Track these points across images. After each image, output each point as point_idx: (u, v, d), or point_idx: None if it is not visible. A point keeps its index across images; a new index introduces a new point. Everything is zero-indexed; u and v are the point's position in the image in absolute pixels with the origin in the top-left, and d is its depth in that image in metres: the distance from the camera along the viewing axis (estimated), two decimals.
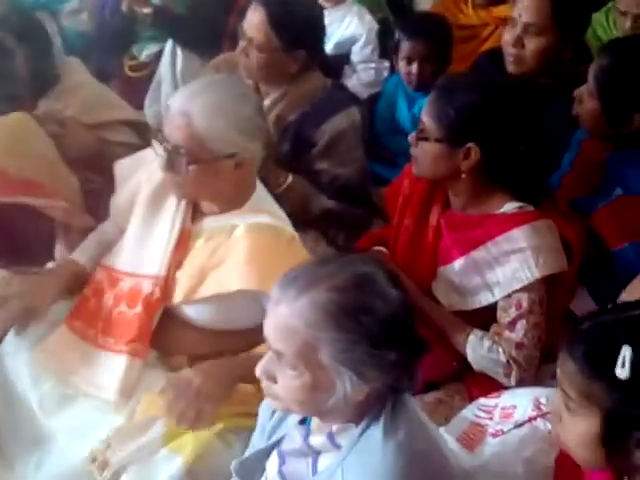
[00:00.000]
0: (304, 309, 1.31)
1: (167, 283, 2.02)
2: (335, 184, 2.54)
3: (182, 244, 2.05)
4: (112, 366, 1.98)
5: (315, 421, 1.47)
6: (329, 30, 3.15)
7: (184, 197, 2.06)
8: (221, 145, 1.93)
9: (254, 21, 2.48)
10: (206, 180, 1.97)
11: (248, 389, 1.85)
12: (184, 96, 1.97)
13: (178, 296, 2.01)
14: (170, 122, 1.95)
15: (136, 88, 3.46)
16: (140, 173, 2.18)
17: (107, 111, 2.63)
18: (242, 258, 1.93)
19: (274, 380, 1.37)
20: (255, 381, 1.48)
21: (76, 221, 2.31)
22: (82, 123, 2.51)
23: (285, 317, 1.33)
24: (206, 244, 2.03)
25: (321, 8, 2.69)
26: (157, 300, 2.01)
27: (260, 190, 2.09)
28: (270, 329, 1.36)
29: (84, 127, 2.50)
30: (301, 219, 2.30)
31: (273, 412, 1.58)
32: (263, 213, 2.03)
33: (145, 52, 3.58)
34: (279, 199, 2.15)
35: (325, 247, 2.54)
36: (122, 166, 2.25)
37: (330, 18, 3.30)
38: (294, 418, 1.51)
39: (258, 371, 1.39)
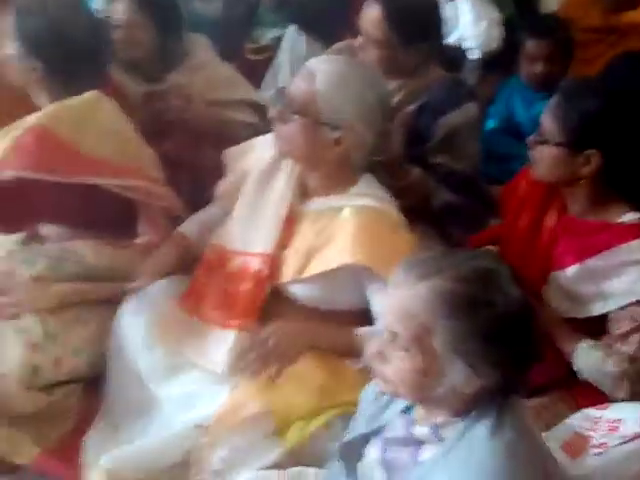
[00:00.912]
0: (424, 294, 1.32)
1: (274, 261, 2.06)
2: (450, 179, 2.52)
3: (290, 223, 2.10)
4: (222, 340, 2.03)
5: (419, 411, 1.47)
6: (454, 23, 3.15)
7: (282, 152, 2.10)
8: (330, 112, 1.97)
9: (370, 18, 2.48)
10: (301, 138, 2.01)
11: (357, 377, 1.89)
12: (317, 60, 2.06)
13: (286, 275, 2.05)
14: (297, 77, 2.03)
15: (255, 71, 3.50)
16: (247, 159, 2.24)
17: (230, 90, 2.69)
18: (348, 237, 1.96)
19: (385, 361, 1.39)
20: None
21: (155, 198, 2.30)
22: (206, 100, 2.56)
23: (405, 300, 1.34)
24: (313, 225, 2.06)
25: (437, 1, 2.66)
26: (265, 277, 2.05)
27: (367, 176, 2.10)
28: (388, 310, 1.38)
29: (207, 104, 2.56)
30: (421, 212, 2.30)
31: (375, 399, 1.58)
32: (368, 197, 2.05)
33: (266, 36, 3.65)
34: (402, 192, 2.15)
35: (433, 241, 2.53)
36: (231, 152, 2.31)
37: (454, 8, 3.29)
38: (397, 406, 1.52)
39: (370, 350, 1.41)
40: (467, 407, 1.38)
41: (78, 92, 2.23)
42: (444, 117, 2.50)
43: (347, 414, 1.80)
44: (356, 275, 1.97)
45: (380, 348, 1.39)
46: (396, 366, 1.36)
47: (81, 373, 2.19)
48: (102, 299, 2.21)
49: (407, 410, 1.51)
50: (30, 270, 2.18)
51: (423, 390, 1.37)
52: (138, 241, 2.31)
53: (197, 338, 2.07)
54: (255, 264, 2.07)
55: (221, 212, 2.27)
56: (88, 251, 2.24)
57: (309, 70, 2.01)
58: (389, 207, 2.06)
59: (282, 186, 2.13)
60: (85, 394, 2.22)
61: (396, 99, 2.52)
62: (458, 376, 1.32)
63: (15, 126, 2.21)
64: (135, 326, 2.10)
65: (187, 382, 2.02)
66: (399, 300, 1.35)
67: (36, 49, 2.20)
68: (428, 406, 1.43)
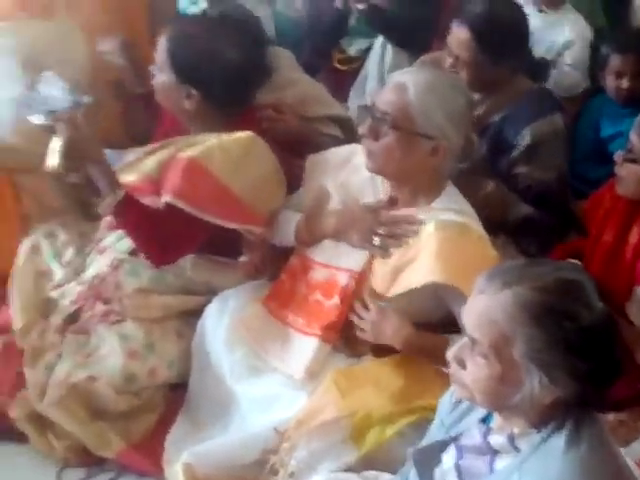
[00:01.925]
0: (507, 302, 1.32)
1: (362, 277, 2.07)
2: (533, 190, 2.50)
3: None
4: (302, 346, 2.07)
5: (497, 421, 1.48)
6: (542, 34, 3.11)
7: (374, 168, 2.08)
8: (425, 122, 1.98)
9: (459, 39, 2.49)
10: (398, 152, 2.00)
11: (435, 382, 1.90)
12: (404, 72, 2.08)
13: (374, 290, 2.05)
14: (385, 90, 2.04)
15: (342, 81, 3.55)
16: (330, 177, 2.25)
17: (317, 107, 2.71)
18: (432, 254, 1.96)
19: (464, 366, 1.39)
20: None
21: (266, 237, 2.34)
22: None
23: (487, 307, 1.35)
24: None
25: (524, 15, 2.65)
26: (353, 293, 2.07)
27: (450, 188, 2.10)
28: (469, 316, 1.38)
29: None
30: (497, 224, 2.30)
31: (454, 406, 1.60)
32: (452, 211, 2.04)
33: (354, 46, 3.67)
34: (479, 204, 2.15)
35: (514, 253, 2.52)
36: (312, 163, 2.32)
37: (545, 22, 3.27)
38: (476, 415, 1.53)
39: (450, 355, 1.42)
40: (544, 418, 1.37)
41: (231, 115, 2.29)
42: (529, 127, 2.49)
43: (423, 420, 1.82)
44: (441, 291, 1.97)
45: (459, 353, 1.40)
46: (474, 372, 1.37)
47: (172, 383, 2.28)
48: (199, 312, 2.28)
49: (485, 419, 1.51)
50: (135, 282, 2.30)
51: (499, 398, 1.37)
52: (240, 259, 2.37)
53: (278, 342, 2.11)
54: (343, 279, 2.09)
55: None
56: (189, 265, 2.32)
57: (398, 82, 2.01)
58: (472, 221, 2.05)
59: (372, 202, 2.15)
60: (170, 392, 2.29)
61: (481, 110, 2.53)
62: (536, 386, 1.32)
63: (166, 146, 2.30)
64: (218, 327, 2.17)
65: (267, 384, 2.06)
66: (481, 306, 1.36)
67: (191, 76, 2.25)
68: (505, 415, 1.43)
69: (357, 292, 2.07)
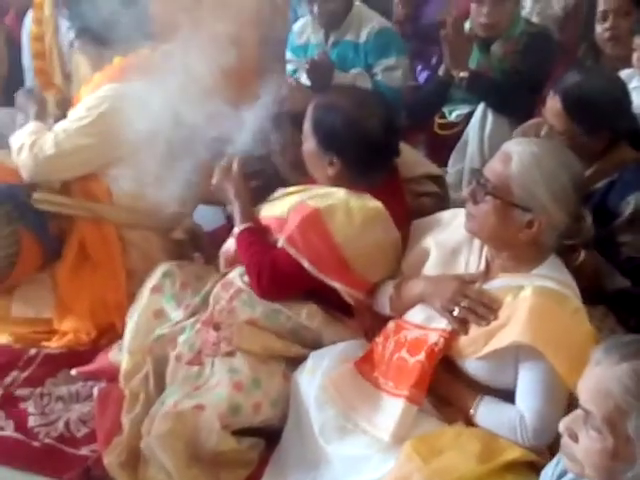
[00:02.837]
0: (624, 375, 1.31)
1: (452, 336, 2.07)
2: (633, 261, 2.44)
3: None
4: (390, 408, 2.06)
5: None
6: None
7: (471, 230, 2.13)
8: (523, 194, 1.99)
9: (552, 109, 2.49)
10: (493, 220, 2.04)
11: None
12: (514, 142, 2.10)
13: (464, 352, 2.05)
14: (493, 158, 2.08)
15: (443, 146, 3.58)
16: (434, 233, 2.29)
17: (413, 168, 2.77)
18: (524, 317, 1.94)
19: (575, 439, 1.37)
20: None
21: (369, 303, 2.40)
22: None
23: (603, 379, 1.34)
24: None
25: (623, 82, 2.62)
26: (439, 350, 2.06)
27: (554, 259, 2.09)
28: (584, 388, 1.37)
29: None
30: (595, 295, 2.25)
31: (557, 478, 1.57)
32: (552, 280, 2.02)
33: (455, 112, 3.71)
34: (573, 273, 2.12)
35: (614, 325, 2.45)
36: (417, 226, 2.38)
37: None
38: None
39: (561, 427, 1.40)
40: None
41: (371, 184, 2.36)
42: (633, 195, 2.44)
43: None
44: (522, 355, 1.95)
45: (572, 425, 1.38)
46: (586, 446, 1.35)
47: (273, 425, 2.29)
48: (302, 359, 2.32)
49: None
50: (248, 312, 2.37)
51: (610, 473, 1.34)
52: (352, 320, 2.41)
53: (367, 403, 2.10)
54: (433, 337, 2.09)
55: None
56: (305, 310, 2.37)
57: (505, 152, 2.05)
58: (570, 293, 2.03)
59: (472, 266, 2.17)
60: (265, 451, 2.29)
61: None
62: None
63: (302, 191, 2.45)
64: (311, 384, 2.18)
65: (356, 445, 2.05)
66: (597, 378, 1.35)
67: (334, 144, 2.36)
68: None
69: (445, 349, 2.07)
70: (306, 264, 2.27)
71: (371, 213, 2.31)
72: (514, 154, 2.02)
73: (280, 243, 2.33)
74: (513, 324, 1.95)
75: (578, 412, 1.37)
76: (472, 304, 2.04)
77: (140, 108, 2.71)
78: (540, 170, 1.99)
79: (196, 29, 2.61)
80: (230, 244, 2.56)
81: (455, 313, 2.06)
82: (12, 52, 4.11)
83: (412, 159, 2.82)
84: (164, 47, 2.83)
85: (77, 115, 2.78)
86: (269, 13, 3.09)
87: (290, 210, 2.37)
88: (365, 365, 2.19)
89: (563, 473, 1.56)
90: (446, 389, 2.10)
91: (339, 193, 2.34)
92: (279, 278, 2.33)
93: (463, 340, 2.05)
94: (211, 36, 2.59)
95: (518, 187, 1.99)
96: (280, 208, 2.44)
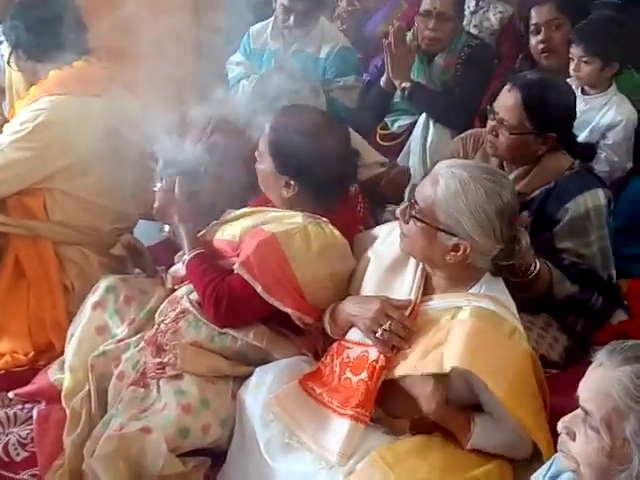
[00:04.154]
0: (625, 378, 1.33)
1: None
2: (577, 267, 2.48)
3: (412, 317, 2.09)
4: (336, 428, 2.04)
5: None
6: (588, 116, 3.12)
7: (403, 249, 2.14)
8: (448, 220, 1.99)
9: (507, 103, 2.52)
10: (420, 242, 2.04)
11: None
12: (446, 164, 2.06)
13: (400, 369, 2.05)
14: (425, 179, 2.07)
15: (385, 156, 3.59)
16: (371, 250, 2.29)
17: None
18: (461, 340, 1.95)
19: (573, 437, 1.39)
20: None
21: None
22: None
23: (604, 380, 1.36)
24: (431, 323, 2.06)
25: (574, 94, 2.67)
26: (380, 367, 2.05)
27: (489, 277, 2.09)
28: (585, 388, 1.39)
29: None
30: (539, 303, 2.27)
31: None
32: (488, 299, 2.03)
33: (397, 123, 3.75)
34: (526, 285, 2.13)
35: (556, 332, 2.49)
36: (358, 241, 2.38)
37: (590, 104, 3.28)
38: None
39: (560, 425, 1.42)
40: None
41: (326, 207, 2.34)
42: (572, 201, 2.49)
43: None
44: (469, 377, 1.96)
45: (570, 424, 1.40)
46: (583, 444, 1.37)
47: (221, 446, 2.25)
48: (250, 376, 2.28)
49: None
50: (193, 335, 2.32)
51: (605, 473, 1.36)
52: (301, 338, 2.37)
53: (313, 421, 2.09)
54: (373, 355, 2.08)
55: None
56: (252, 331, 2.32)
57: (435, 174, 2.03)
58: (507, 312, 2.04)
59: (409, 281, 2.16)
60: (210, 471, 2.25)
61: (521, 184, 2.54)
62: None
63: (255, 213, 2.41)
64: (255, 401, 2.15)
65: (302, 461, 2.03)
66: (598, 380, 1.37)
67: (291, 167, 2.31)
68: None
69: (386, 366, 2.05)
70: (259, 289, 2.23)
71: (328, 241, 2.28)
72: (442, 178, 2.00)
73: (235, 268, 2.27)
74: (450, 348, 1.95)
75: (577, 411, 1.39)
76: (394, 326, 2.04)
77: (77, 121, 2.68)
78: (465, 198, 1.97)
79: (135, 43, 2.58)
80: (179, 267, 2.51)
81: (378, 335, 2.05)
82: None
83: (363, 147, 2.87)
84: (101, 60, 2.81)
85: (12, 129, 2.71)
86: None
87: (243, 234, 2.33)
88: (311, 382, 2.17)
89: (554, 476, 1.58)
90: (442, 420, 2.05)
91: (296, 218, 2.31)
92: (237, 304, 2.28)
93: (402, 358, 2.04)
94: (148, 51, 2.57)
95: (442, 213, 1.99)
96: (232, 231, 2.39)
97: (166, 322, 2.35)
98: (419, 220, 2.02)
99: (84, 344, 2.45)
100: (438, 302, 2.09)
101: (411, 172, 3.03)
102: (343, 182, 2.43)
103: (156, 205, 2.53)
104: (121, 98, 2.88)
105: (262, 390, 2.16)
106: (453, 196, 1.97)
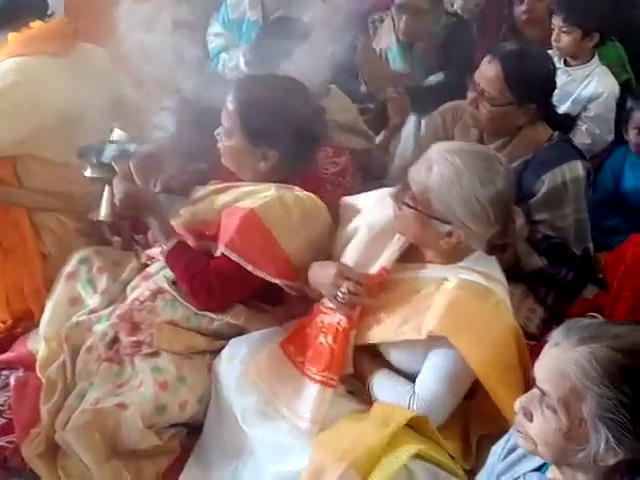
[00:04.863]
0: (582, 358, 1.32)
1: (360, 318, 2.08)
2: (551, 239, 2.48)
3: (378, 279, 2.10)
4: (307, 394, 2.05)
5: (554, 473, 1.47)
6: (570, 87, 3.12)
7: (397, 231, 2.12)
8: (441, 208, 1.98)
9: (488, 74, 2.52)
10: (414, 226, 2.04)
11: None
12: (441, 147, 2.04)
13: (377, 336, 2.06)
14: (418, 163, 2.04)
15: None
16: (361, 217, 2.27)
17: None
18: (440, 307, 1.96)
19: (530, 417, 1.39)
20: None
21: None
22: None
23: (560, 360, 1.35)
24: (416, 291, 2.06)
25: (554, 65, 2.68)
26: (344, 330, 2.07)
27: (481, 253, 2.07)
28: (542, 368, 1.39)
29: None
30: (514, 274, 2.28)
31: (506, 454, 1.59)
32: (478, 273, 2.02)
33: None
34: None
35: (532, 303, 2.50)
36: (346, 206, 2.35)
37: (572, 76, 3.28)
38: (530, 464, 1.52)
39: (517, 405, 1.42)
40: (605, 478, 1.36)
41: (299, 173, 2.34)
42: (549, 172, 2.49)
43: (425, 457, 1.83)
44: (432, 343, 1.96)
45: (527, 405, 1.40)
46: (540, 424, 1.37)
47: (198, 420, 2.25)
48: None
49: (540, 468, 1.51)
50: (169, 314, 2.31)
51: (563, 453, 1.37)
52: (277, 309, 2.37)
53: (289, 388, 2.09)
54: (336, 318, 2.09)
55: None
56: (229, 311, 2.31)
57: (428, 161, 2.01)
58: (497, 287, 2.03)
59: (390, 252, 2.15)
60: (186, 439, 2.26)
61: (501, 154, 2.53)
62: (602, 446, 1.31)
63: (225, 191, 2.36)
64: (230, 372, 2.16)
65: (279, 431, 2.04)
66: (554, 360, 1.36)
67: (267, 137, 2.27)
68: (564, 470, 1.42)
69: (349, 328, 2.07)
70: (250, 267, 2.20)
71: (306, 205, 2.28)
72: (435, 165, 1.98)
73: (220, 250, 2.24)
74: (430, 315, 1.96)
75: (534, 391, 1.39)
76: (352, 287, 2.04)
77: (42, 80, 2.63)
78: (459, 187, 1.95)
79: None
80: (155, 252, 2.46)
81: (338, 298, 2.05)
82: None
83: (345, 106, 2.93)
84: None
85: None
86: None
87: (217, 213, 2.30)
88: (290, 346, 2.18)
89: (513, 448, 1.59)
90: (355, 365, 2.09)
91: (269, 190, 2.28)
92: (229, 287, 2.26)
93: (376, 324, 2.05)
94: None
95: (436, 200, 1.97)
96: (204, 212, 2.36)
97: (141, 299, 2.34)
98: (413, 207, 2.00)
99: (58, 315, 2.45)
100: (426, 272, 2.09)
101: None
102: (317, 141, 2.41)
103: (118, 199, 2.37)
104: (88, 53, 2.82)
105: (236, 362, 2.16)
106: (447, 184, 1.95)
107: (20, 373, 2.44)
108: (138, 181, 2.44)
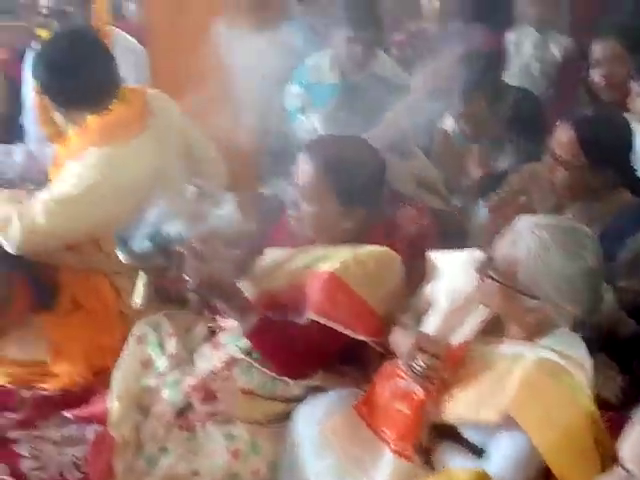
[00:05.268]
0: None
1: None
2: (634, 308, 2.43)
3: (464, 360, 2.07)
4: (384, 464, 2.03)
5: None
6: None
7: (482, 302, 2.10)
8: (528, 282, 1.95)
9: (562, 139, 2.52)
10: (499, 300, 2.02)
11: None
12: (528, 221, 2.02)
13: (450, 412, 2.02)
14: (502, 236, 2.03)
15: None
16: (440, 282, 2.27)
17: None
18: (514, 387, 1.91)
19: None
20: None
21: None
22: None
23: None
24: (491, 367, 2.02)
25: (630, 128, 2.65)
26: (420, 401, 2.04)
27: (565, 330, 2.03)
28: (627, 447, 1.35)
29: None
30: (599, 344, 2.23)
31: None
32: (557, 352, 1.97)
33: None
34: None
35: (614, 374, 2.43)
36: (430, 263, 2.35)
37: None
38: None
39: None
40: None
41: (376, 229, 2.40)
42: (632, 238, 2.44)
43: None
44: (507, 422, 1.90)
45: None
46: None
47: None
48: None
49: None
50: (246, 381, 2.30)
51: None
52: (354, 371, 2.37)
53: (367, 454, 2.07)
54: (414, 387, 2.07)
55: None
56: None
57: (514, 234, 2.00)
58: (576, 368, 1.96)
59: (472, 325, 2.13)
60: None
61: (580, 221, 2.50)
62: None
63: (293, 258, 2.39)
64: (306, 430, 2.15)
65: None
66: (638, 438, 1.32)
67: (357, 195, 2.31)
68: None
69: (426, 400, 2.04)
70: (342, 329, 2.20)
71: (381, 257, 2.30)
72: (522, 239, 1.97)
73: (307, 317, 2.23)
74: (503, 394, 1.92)
75: (618, 470, 1.35)
76: (428, 360, 2.02)
77: (126, 171, 2.67)
78: (546, 261, 1.93)
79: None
80: (230, 324, 2.42)
81: (415, 370, 2.04)
82: (10, 88, 4.08)
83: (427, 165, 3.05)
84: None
85: (66, 184, 2.67)
86: None
87: (294, 280, 2.31)
88: (365, 407, 2.16)
89: None
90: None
91: (340, 250, 2.30)
92: (318, 353, 2.26)
93: (448, 399, 2.02)
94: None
95: (523, 274, 1.95)
96: (273, 282, 2.36)
97: (214, 371, 2.33)
98: (498, 282, 1.98)
99: (129, 375, 2.48)
100: (503, 348, 2.05)
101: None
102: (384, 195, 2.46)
103: (192, 284, 2.26)
104: (163, 113, 2.86)
105: (312, 422, 2.16)
106: (533, 258, 1.93)
107: (97, 427, 2.47)
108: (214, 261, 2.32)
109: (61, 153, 2.83)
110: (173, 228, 2.31)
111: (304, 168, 2.33)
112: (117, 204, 2.66)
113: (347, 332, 2.21)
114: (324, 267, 2.27)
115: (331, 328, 2.20)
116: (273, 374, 2.29)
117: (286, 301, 2.31)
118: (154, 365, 2.48)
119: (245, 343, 2.33)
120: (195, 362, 2.42)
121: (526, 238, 1.96)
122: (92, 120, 2.73)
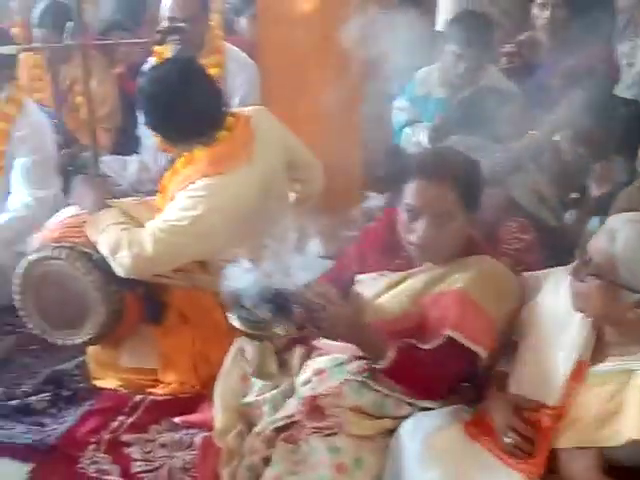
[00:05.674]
0: None
1: (561, 412, 2.03)
2: None
3: (577, 376, 2.04)
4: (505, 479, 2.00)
5: None
6: None
7: (577, 308, 2.07)
8: (629, 274, 1.92)
9: None
10: (600, 299, 1.98)
11: None
12: (619, 218, 2.02)
13: (570, 441, 1.99)
14: (596, 235, 2.01)
15: None
16: (536, 305, 2.25)
17: None
18: (636, 409, 1.87)
19: None
20: None
21: None
22: None
23: None
24: (601, 388, 1.99)
25: None
26: (545, 428, 2.03)
27: None
28: None
29: None
30: None
31: None
32: None
33: None
34: None
35: None
36: (527, 282, 2.32)
37: None
38: None
39: None
40: None
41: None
42: None
43: None
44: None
45: None
46: None
47: None
48: None
49: None
50: (356, 400, 2.26)
51: None
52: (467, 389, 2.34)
53: (473, 468, 2.04)
54: (545, 418, 2.05)
55: None
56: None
57: (610, 229, 1.98)
58: None
59: (575, 339, 2.10)
60: None
61: None
62: None
63: (404, 280, 2.34)
64: (414, 444, 2.11)
65: None
66: None
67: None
68: None
69: (551, 427, 2.02)
70: (474, 346, 2.18)
71: (504, 274, 2.31)
72: (619, 232, 1.95)
73: (448, 336, 2.18)
74: (625, 417, 1.88)
75: None
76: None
77: (234, 200, 2.71)
78: None
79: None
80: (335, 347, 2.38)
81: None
82: (124, 101, 4.25)
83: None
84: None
85: (175, 215, 2.71)
86: None
87: (416, 301, 2.28)
88: (475, 429, 2.14)
89: None
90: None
91: (454, 269, 2.27)
92: (453, 373, 2.24)
93: (568, 429, 2.00)
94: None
95: (623, 267, 1.92)
96: (397, 306, 2.31)
97: (324, 394, 2.29)
98: (598, 277, 1.96)
99: (228, 392, 2.50)
100: (607, 365, 2.02)
101: None
102: None
103: (324, 329, 2.18)
104: (264, 134, 2.88)
105: (419, 435, 2.12)
106: (632, 251, 1.92)
107: (205, 433, 2.53)
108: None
109: (169, 183, 2.89)
110: (288, 281, 2.16)
111: (431, 193, 2.22)
112: (224, 233, 2.71)
113: (477, 349, 2.18)
114: (448, 287, 2.24)
115: (460, 347, 2.18)
116: (386, 393, 2.27)
117: (409, 326, 2.26)
118: (253, 382, 2.50)
119: (350, 367, 2.32)
120: (297, 388, 2.41)
121: (622, 232, 1.94)
122: (200, 152, 2.79)
